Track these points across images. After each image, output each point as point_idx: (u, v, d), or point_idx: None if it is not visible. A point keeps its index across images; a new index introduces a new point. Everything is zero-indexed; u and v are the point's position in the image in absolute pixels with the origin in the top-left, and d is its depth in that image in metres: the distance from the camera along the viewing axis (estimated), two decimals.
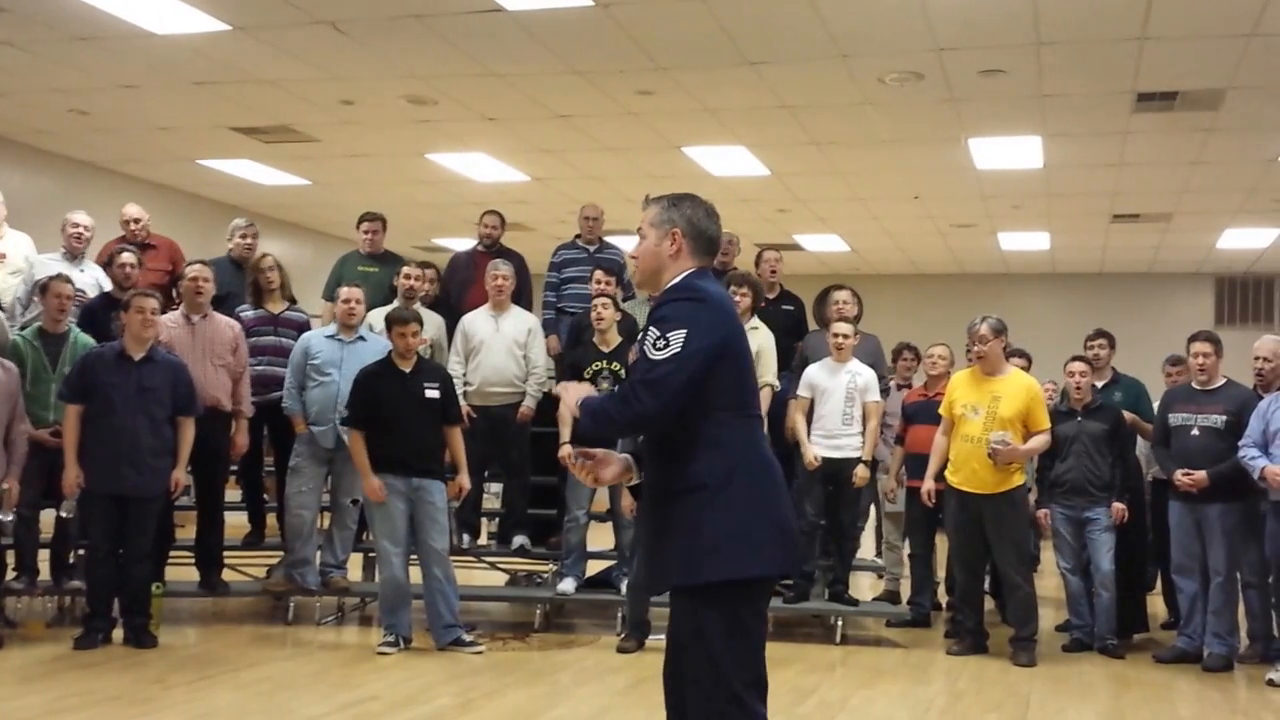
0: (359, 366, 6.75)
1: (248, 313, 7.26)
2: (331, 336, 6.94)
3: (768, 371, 7.20)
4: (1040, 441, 6.53)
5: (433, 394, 6.36)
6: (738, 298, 7.26)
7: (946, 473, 6.65)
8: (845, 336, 7.00)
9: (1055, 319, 14.60)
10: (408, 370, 6.37)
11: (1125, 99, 8.81)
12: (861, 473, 6.88)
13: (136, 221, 7.80)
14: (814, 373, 7.09)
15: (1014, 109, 9.16)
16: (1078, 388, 6.89)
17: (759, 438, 2.99)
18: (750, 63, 8.25)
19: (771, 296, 7.82)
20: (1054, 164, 10.77)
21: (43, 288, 6.62)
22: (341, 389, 6.74)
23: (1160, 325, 14.39)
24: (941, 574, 7.87)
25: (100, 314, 6.86)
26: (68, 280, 6.60)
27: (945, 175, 11.40)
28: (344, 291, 6.96)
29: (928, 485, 6.83)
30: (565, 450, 6.73)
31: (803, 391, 7.05)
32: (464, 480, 6.59)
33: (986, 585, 7.10)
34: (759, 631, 2.91)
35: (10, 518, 6.10)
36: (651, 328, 2.87)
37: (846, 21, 7.46)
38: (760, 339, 7.33)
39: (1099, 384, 7.30)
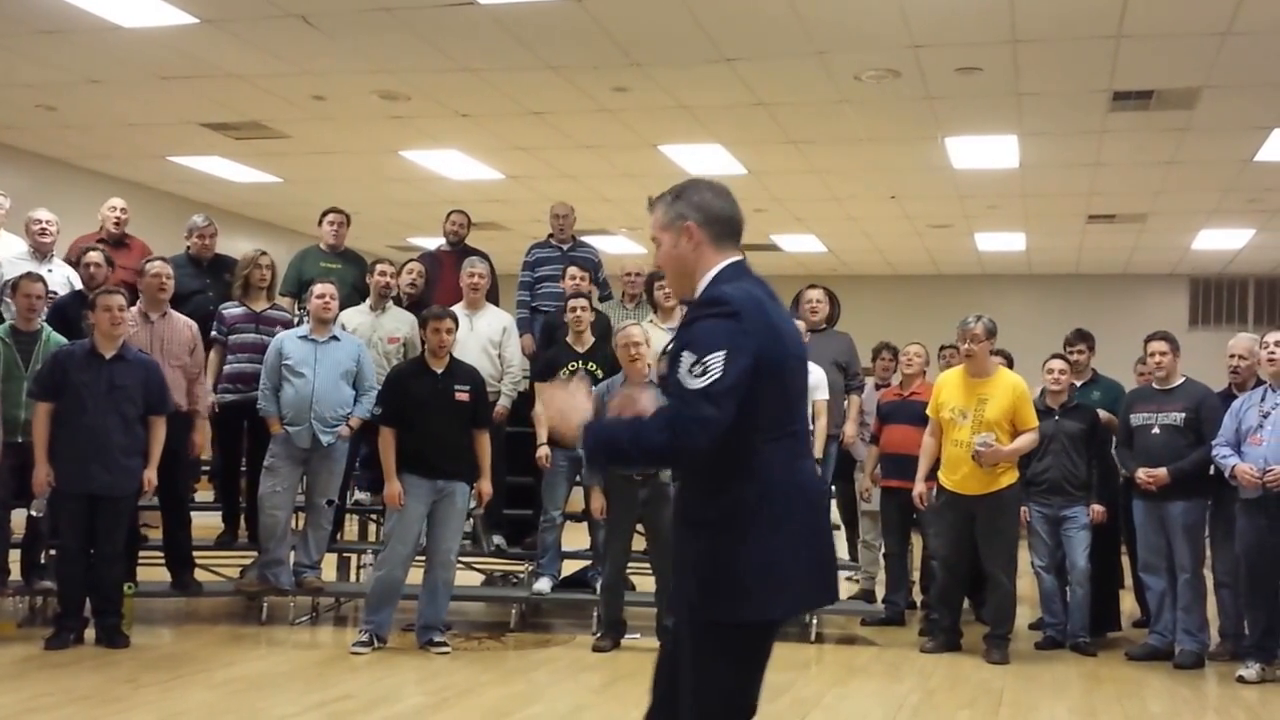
0: (333, 366, 6.72)
1: (232, 309, 7.19)
2: (304, 337, 6.86)
3: None
4: (1027, 440, 6.51)
5: (463, 396, 6.31)
6: (667, 290, 7.23)
7: (940, 474, 6.64)
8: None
9: (1032, 319, 14.64)
10: (440, 370, 6.33)
11: (1101, 98, 8.84)
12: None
13: (124, 212, 7.71)
14: None
15: (990, 107, 9.18)
16: (1055, 385, 6.91)
17: (794, 458, 2.73)
18: (726, 59, 8.23)
19: None
20: (1030, 164, 10.80)
21: (13, 286, 6.52)
22: (316, 388, 6.68)
23: (1135, 326, 14.34)
24: (915, 573, 7.90)
25: (71, 311, 6.78)
26: (39, 279, 6.51)
27: (922, 175, 11.41)
28: (317, 288, 6.88)
29: (919, 488, 6.79)
30: (543, 452, 6.70)
31: None
32: (485, 486, 6.54)
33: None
34: (763, 664, 2.76)
35: None
36: (685, 351, 2.58)
37: (823, 18, 7.44)
38: None
39: (1078, 384, 7.32)
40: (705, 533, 2.67)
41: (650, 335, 7.19)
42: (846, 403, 7.58)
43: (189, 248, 7.65)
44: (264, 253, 7.37)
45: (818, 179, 11.71)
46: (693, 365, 2.54)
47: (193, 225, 7.71)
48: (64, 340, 6.43)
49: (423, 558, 6.50)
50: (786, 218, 13.62)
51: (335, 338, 6.89)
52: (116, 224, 7.68)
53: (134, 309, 6.71)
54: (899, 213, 13.25)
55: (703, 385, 2.52)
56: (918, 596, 7.92)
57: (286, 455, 6.81)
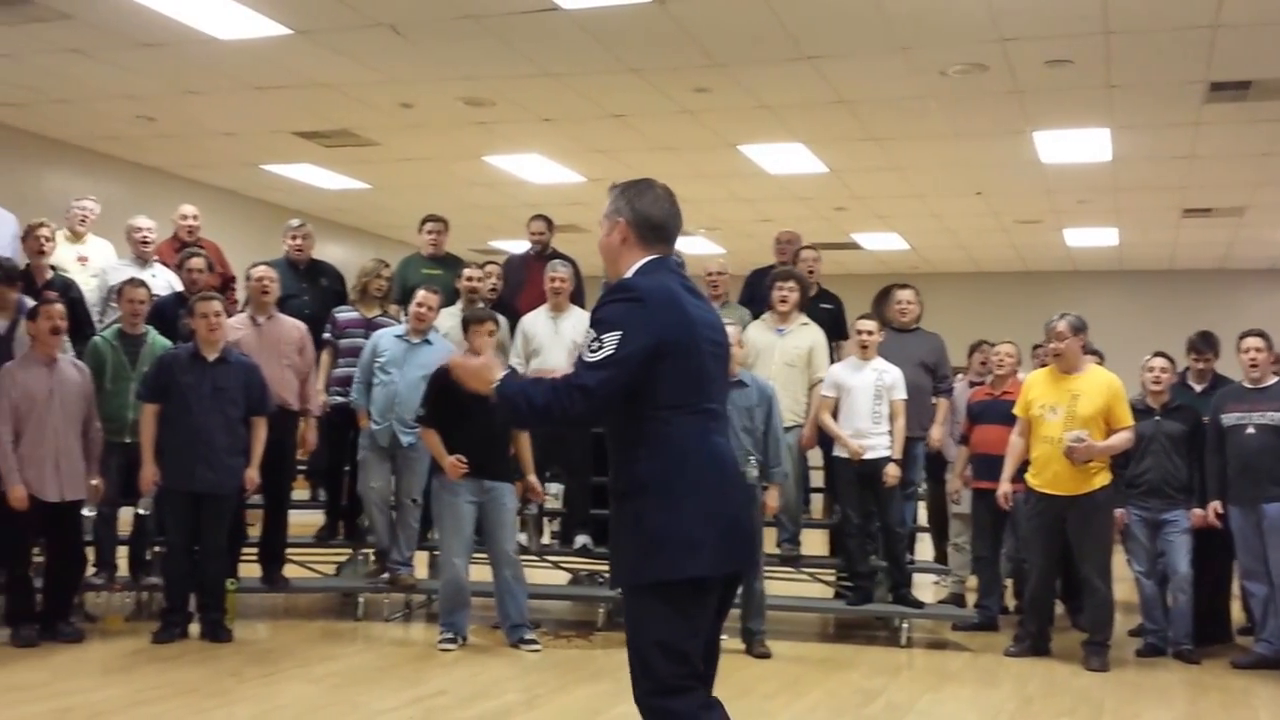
0: (420, 368, 6.80)
1: (345, 313, 7.39)
2: (400, 336, 6.99)
3: (820, 369, 7.16)
4: (1122, 439, 6.33)
5: None
6: (784, 293, 7.23)
7: (1028, 475, 6.51)
8: (870, 334, 6.93)
9: (1124, 317, 14.33)
10: None
11: (1197, 89, 8.63)
12: (892, 471, 6.79)
13: (197, 218, 7.93)
14: (839, 371, 7.02)
15: (1081, 100, 9.01)
16: (1156, 385, 6.75)
17: (708, 432, 2.91)
18: (808, 57, 8.20)
19: (810, 295, 7.77)
20: (1123, 157, 10.57)
21: (118, 292, 6.75)
22: (400, 389, 6.79)
23: (1232, 323, 14.01)
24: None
25: (169, 312, 6.99)
26: (142, 284, 6.74)
27: (1009, 169, 11.23)
28: (420, 294, 7.01)
29: (1004, 489, 6.70)
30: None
31: (828, 391, 6.99)
32: (534, 482, 6.61)
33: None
34: (697, 628, 2.85)
35: (94, 514, 6.24)
36: (590, 329, 2.83)
37: (907, 13, 7.38)
38: (811, 336, 7.29)
39: (1198, 387, 7.17)
40: (625, 500, 2.88)
41: (756, 337, 7.23)
42: (934, 404, 7.49)
43: (286, 252, 7.83)
44: (386, 264, 7.58)
45: (900, 176, 11.60)
46: (591, 342, 2.80)
47: (286, 228, 7.91)
48: (168, 343, 6.64)
49: (484, 554, 6.55)
50: (868, 216, 13.51)
51: (428, 341, 7.00)
52: (190, 231, 7.89)
53: (243, 314, 6.92)
54: (984, 209, 13.06)
55: (593, 359, 2.77)
56: (1010, 601, 7.80)
57: (374, 451, 6.96)
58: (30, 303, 6.37)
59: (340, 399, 7.26)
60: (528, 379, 2.96)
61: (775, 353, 7.18)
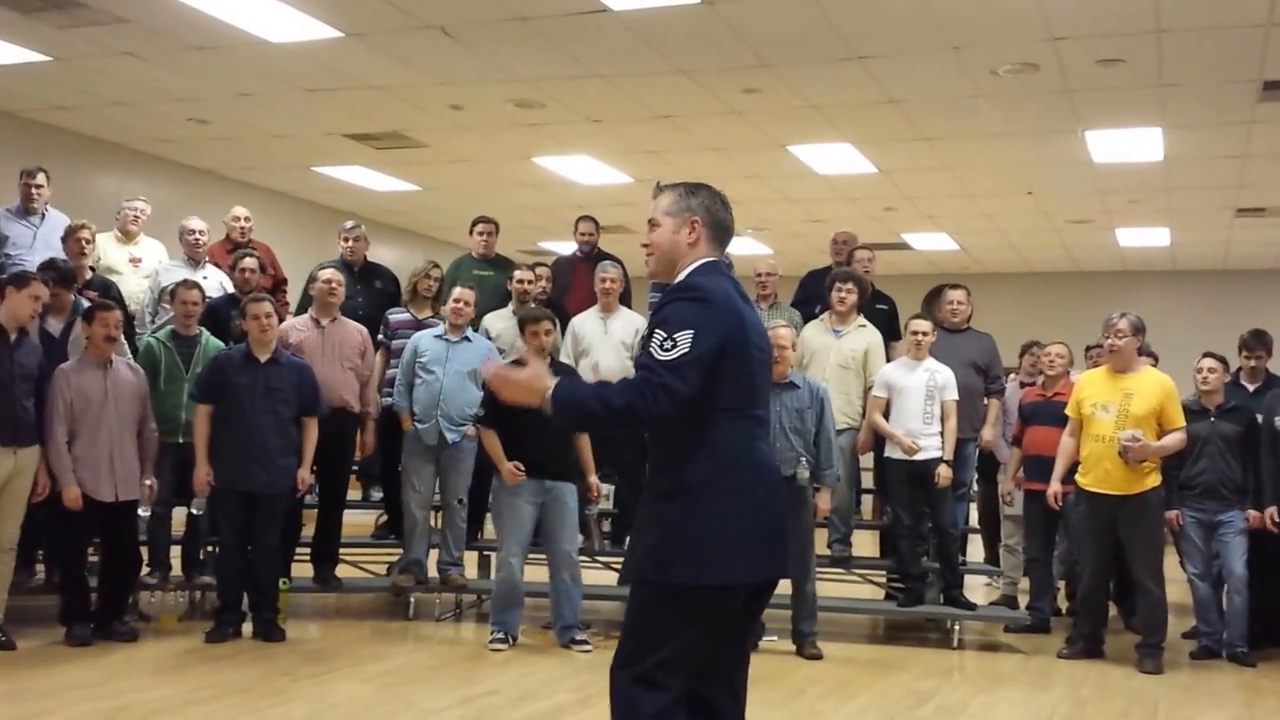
0: (462, 366, 6.82)
1: (398, 314, 7.45)
2: (439, 336, 7.02)
3: (876, 371, 7.12)
4: (1175, 440, 6.29)
5: None
6: (843, 294, 7.20)
7: (1077, 475, 6.47)
8: (924, 334, 6.89)
9: (1176, 317, 14.12)
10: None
11: (1250, 87, 8.51)
12: (944, 472, 6.74)
13: (247, 220, 8.01)
14: (891, 371, 6.98)
15: (1133, 99, 8.90)
16: (1205, 385, 6.66)
17: (755, 438, 2.91)
18: (858, 57, 8.16)
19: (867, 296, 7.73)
20: (1175, 156, 10.43)
21: (171, 293, 6.83)
22: (445, 387, 6.82)
23: None
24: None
25: (223, 313, 7.07)
26: (195, 286, 6.82)
27: (1060, 169, 11.13)
28: (455, 292, 7.05)
29: (1054, 488, 6.65)
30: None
31: (879, 391, 6.95)
32: (595, 482, 6.63)
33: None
34: (714, 632, 2.83)
35: (149, 514, 6.31)
36: (657, 329, 2.80)
37: (958, 12, 7.33)
38: (868, 338, 7.25)
39: (1251, 386, 7.06)
40: (666, 500, 2.85)
41: (812, 338, 7.20)
42: (986, 405, 7.43)
43: (341, 253, 7.91)
44: (436, 265, 7.62)
45: (951, 176, 11.51)
46: (663, 341, 2.76)
47: (340, 229, 7.98)
48: (221, 345, 6.71)
49: (540, 555, 6.56)
50: (917, 216, 13.43)
51: (467, 338, 7.03)
52: (241, 233, 7.98)
53: (305, 316, 6.98)
54: (1035, 208, 12.94)
55: (671, 358, 2.74)
56: (1063, 603, 7.72)
57: (418, 454, 6.96)
58: (86, 304, 6.46)
59: (391, 400, 7.29)
60: (589, 382, 2.93)
61: (830, 354, 7.16)
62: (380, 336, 7.37)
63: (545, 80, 8.88)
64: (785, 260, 9.24)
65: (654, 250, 2.99)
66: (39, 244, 7.20)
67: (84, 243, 7.03)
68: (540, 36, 7.90)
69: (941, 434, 6.81)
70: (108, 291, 6.98)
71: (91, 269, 7.21)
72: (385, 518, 7.82)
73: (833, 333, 7.24)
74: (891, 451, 6.87)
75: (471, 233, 8.30)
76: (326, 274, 7.00)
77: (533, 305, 7.50)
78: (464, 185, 12.48)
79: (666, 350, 2.74)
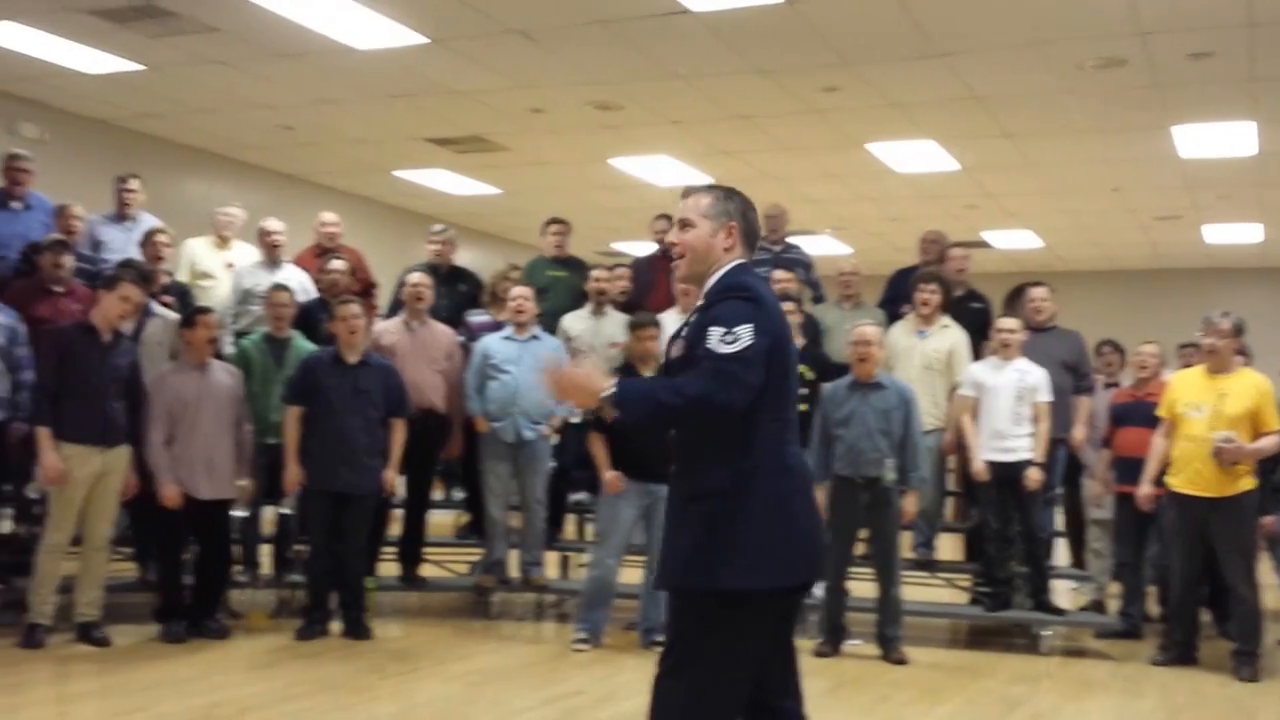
0: (535, 363, 6.81)
1: (478, 317, 7.51)
2: (507, 337, 7.04)
3: (960, 372, 7.03)
4: (1271, 443, 6.10)
5: None
6: (926, 294, 7.12)
7: (1167, 476, 6.33)
8: (1012, 332, 6.75)
9: (1268, 315, 13.73)
10: (648, 375, 6.42)
11: None
12: (1034, 475, 6.61)
13: (335, 226, 8.14)
14: (979, 370, 6.84)
15: (1224, 94, 8.71)
16: None
17: (786, 441, 2.87)
18: (942, 54, 8.08)
19: (958, 294, 7.63)
20: (1270, 151, 10.16)
21: (264, 297, 6.97)
22: (520, 385, 6.85)
23: None
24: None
25: (313, 315, 7.16)
26: (285, 289, 6.92)
27: (1147, 165, 10.93)
28: (513, 291, 7.08)
29: (1145, 490, 6.51)
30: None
31: (967, 390, 6.83)
32: None
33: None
34: (756, 650, 2.79)
35: (245, 514, 6.42)
36: (712, 326, 2.76)
37: (1045, 7, 7.24)
38: (953, 338, 7.16)
39: None
40: (703, 504, 2.78)
41: (898, 339, 7.14)
42: (1075, 405, 7.29)
43: (428, 256, 7.97)
44: (515, 266, 7.69)
45: (1034, 172, 11.35)
46: (724, 335, 2.72)
47: (428, 232, 8.06)
48: (312, 347, 6.80)
49: (635, 558, 6.56)
50: (999, 213, 13.25)
51: (536, 337, 7.05)
52: (330, 238, 8.10)
53: (397, 319, 7.07)
54: (1121, 205, 12.70)
55: (736, 350, 2.70)
56: (1153, 609, 7.55)
57: (495, 453, 7.00)
58: (156, 306, 6.57)
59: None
60: (652, 378, 2.93)
61: (915, 355, 7.08)
62: (461, 339, 7.43)
63: (624, 82, 8.92)
64: (863, 259, 9.17)
65: (687, 250, 2.95)
66: (133, 248, 7.29)
67: (161, 246, 7.14)
68: (620, 39, 7.93)
69: (1032, 435, 6.68)
70: (184, 296, 7.13)
71: (169, 273, 7.34)
72: (468, 518, 7.90)
73: (917, 334, 7.16)
74: (980, 452, 6.76)
75: (544, 234, 8.31)
76: (414, 278, 7.08)
77: (598, 309, 7.51)
78: (542, 187, 12.57)
79: (729, 343, 2.71)
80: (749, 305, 2.78)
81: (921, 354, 7.09)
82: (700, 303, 2.91)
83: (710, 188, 2.99)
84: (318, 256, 7.91)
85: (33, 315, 6.31)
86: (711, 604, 2.74)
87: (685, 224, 2.95)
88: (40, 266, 6.56)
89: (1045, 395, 6.73)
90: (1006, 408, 6.68)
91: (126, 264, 6.62)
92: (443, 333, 7.15)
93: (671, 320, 7.48)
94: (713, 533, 2.75)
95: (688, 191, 3.01)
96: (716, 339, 2.72)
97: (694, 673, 2.74)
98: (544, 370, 2.87)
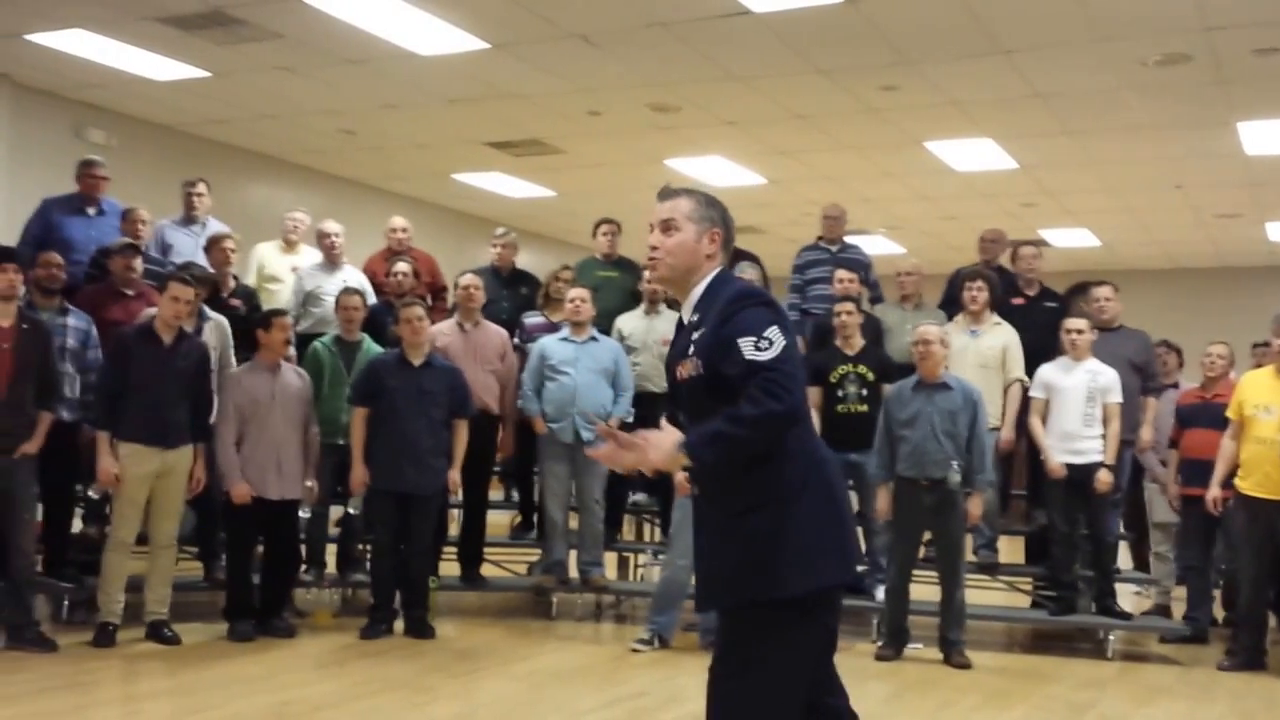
0: (593, 364, 6.89)
1: (533, 318, 7.55)
2: (564, 339, 7.06)
3: (1015, 369, 6.99)
4: None
5: None
6: (973, 292, 7.07)
7: (1236, 479, 6.25)
8: (1080, 332, 6.66)
9: None
10: None
11: None
12: (1105, 477, 6.53)
13: (405, 230, 8.22)
14: (1048, 372, 6.76)
15: None
16: None
17: (815, 437, 2.86)
18: (1002, 52, 8.02)
19: (1031, 293, 7.56)
20: None
21: (336, 300, 7.06)
22: (578, 385, 6.88)
23: None
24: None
25: (380, 318, 7.24)
26: (356, 292, 7.01)
27: (1210, 162, 10.76)
28: (571, 292, 7.10)
29: (1213, 493, 6.42)
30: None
31: (1037, 392, 6.76)
32: None
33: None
34: (815, 648, 2.77)
35: (309, 514, 6.51)
36: (740, 338, 2.65)
37: (1107, 4, 7.15)
38: (1004, 335, 7.10)
39: None
40: (761, 514, 2.69)
41: (953, 339, 7.08)
42: (1142, 406, 7.20)
43: (492, 260, 8.06)
44: (566, 267, 7.71)
45: (1095, 170, 11.22)
46: (757, 342, 2.64)
47: (492, 235, 8.13)
48: (380, 349, 6.87)
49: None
50: (1058, 212, 13.11)
51: (594, 338, 7.07)
52: (400, 242, 8.17)
53: (450, 320, 7.13)
54: (1183, 203, 12.52)
55: (776, 355, 2.63)
56: (1219, 613, 7.45)
57: (553, 454, 7.02)
58: (210, 312, 6.66)
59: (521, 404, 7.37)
60: (704, 425, 2.70)
61: (969, 354, 7.02)
62: (516, 340, 7.48)
63: (682, 84, 8.93)
64: (917, 259, 9.06)
65: (670, 254, 2.84)
66: (200, 252, 7.42)
67: (229, 251, 7.22)
68: (680, 41, 7.95)
69: (1103, 437, 6.60)
70: (251, 300, 7.22)
71: (235, 277, 7.44)
72: (520, 519, 7.95)
73: (969, 333, 7.10)
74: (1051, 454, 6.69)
75: (595, 235, 8.31)
76: (465, 279, 7.14)
77: (652, 309, 7.48)
78: (597, 189, 12.61)
79: (764, 350, 2.64)
80: (767, 311, 2.72)
81: (976, 352, 7.02)
82: (693, 316, 2.81)
83: (689, 191, 2.90)
84: (387, 260, 8.00)
85: (104, 318, 6.41)
86: (772, 609, 2.69)
87: (669, 225, 2.84)
88: (111, 270, 6.66)
89: (1116, 396, 6.64)
90: (1077, 409, 6.60)
91: (183, 266, 6.71)
92: (495, 333, 7.20)
93: (631, 323, 7.47)
94: (773, 540, 2.68)
95: (666, 193, 2.91)
96: (751, 348, 2.65)
97: (759, 678, 2.70)
98: (604, 453, 2.77)
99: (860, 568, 7.14)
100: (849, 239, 8.42)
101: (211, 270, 7.01)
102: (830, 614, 2.80)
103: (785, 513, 2.69)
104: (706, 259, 2.84)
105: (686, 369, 2.77)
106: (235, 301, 7.06)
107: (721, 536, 2.76)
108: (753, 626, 2.71)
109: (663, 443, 2.65)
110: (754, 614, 2.70)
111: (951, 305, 7.80)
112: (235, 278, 7.42)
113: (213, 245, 7.24)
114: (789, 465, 2.70)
